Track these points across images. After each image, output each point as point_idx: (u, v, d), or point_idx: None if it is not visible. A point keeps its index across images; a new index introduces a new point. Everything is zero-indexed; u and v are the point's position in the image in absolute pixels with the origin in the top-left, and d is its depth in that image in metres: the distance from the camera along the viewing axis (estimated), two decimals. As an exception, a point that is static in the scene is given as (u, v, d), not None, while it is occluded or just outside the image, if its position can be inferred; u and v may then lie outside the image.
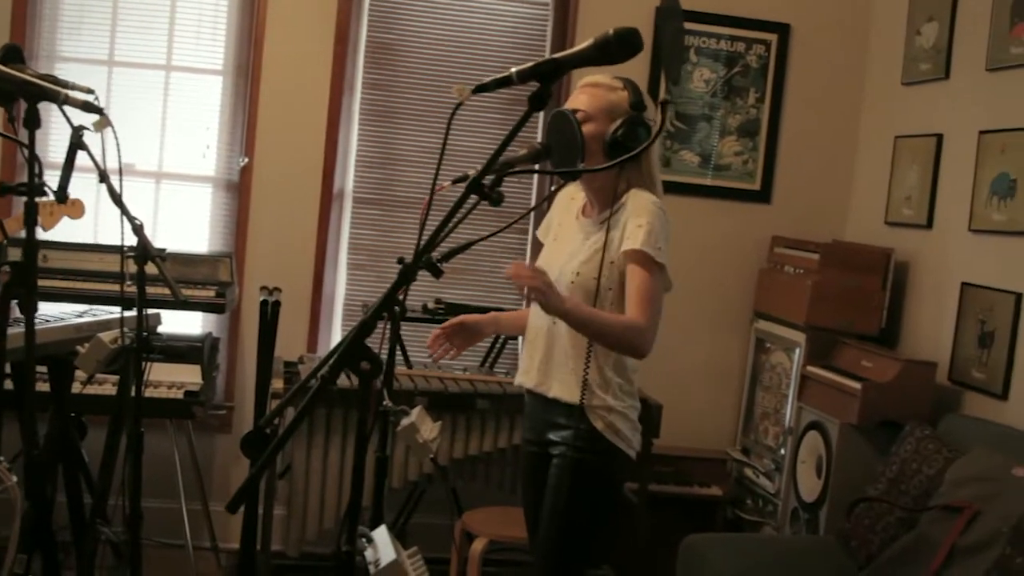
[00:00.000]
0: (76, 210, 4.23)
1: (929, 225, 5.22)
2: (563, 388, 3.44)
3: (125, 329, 3.50)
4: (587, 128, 3.36)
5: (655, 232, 3.30)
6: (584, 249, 3.44)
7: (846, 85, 6.03)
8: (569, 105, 3.44)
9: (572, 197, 3.67)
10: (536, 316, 3.55)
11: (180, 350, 4.99)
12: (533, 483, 3.64)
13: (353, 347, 2.28)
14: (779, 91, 5.96)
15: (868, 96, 6.00)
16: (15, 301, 3.56)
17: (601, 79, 3.42)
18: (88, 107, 3.10)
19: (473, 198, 2.38)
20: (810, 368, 5.16)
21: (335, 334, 5.82)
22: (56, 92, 3.06)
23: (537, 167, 3.65)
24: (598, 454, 3.41)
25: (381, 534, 2.44)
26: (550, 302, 3.16)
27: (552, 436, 3.50)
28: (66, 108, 3.16)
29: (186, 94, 5.64)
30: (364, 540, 2.42)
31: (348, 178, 5.77)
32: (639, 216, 3.32)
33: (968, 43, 5.04)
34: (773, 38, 5.91)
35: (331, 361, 2.26)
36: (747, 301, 5.96)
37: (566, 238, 3.57)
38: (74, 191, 3.44)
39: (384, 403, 2.81)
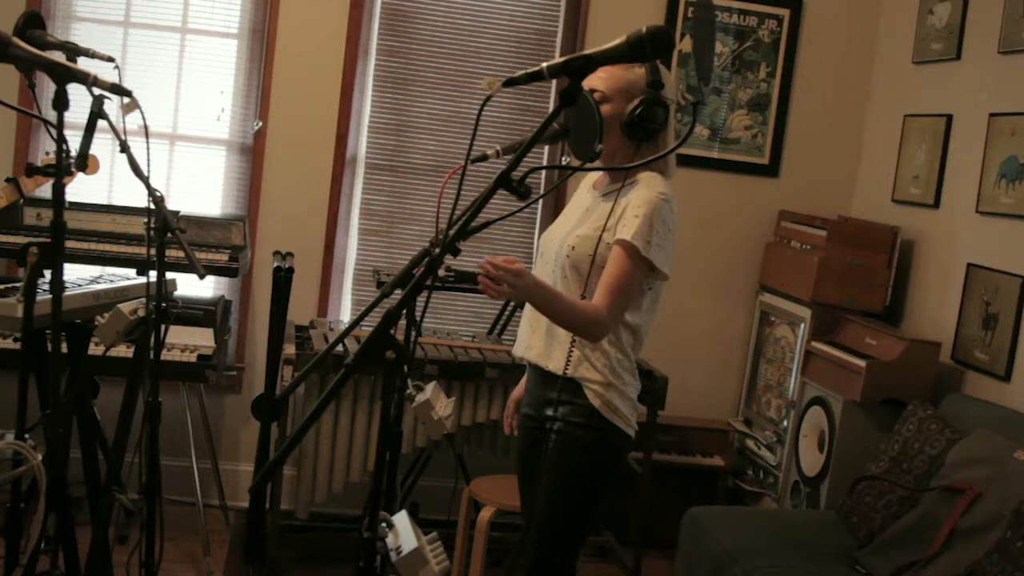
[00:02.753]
0: (91, 167, 4.26)
1: (936, 205, 5.27)
2: (559, 362, 3.39)
3: (144, 299, 3.57)
4: (604, 108, 3.31)
5: (651, 226, 3.23)
6: (584, 223, 3.40)
7: (857, 62, 6.06)
8: (586, 84, 3.34)
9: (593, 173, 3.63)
10: None
11: (195, 315, 5.05)
12: (529, 456, 3.61)
13: (379, 336, 2.32)
14: (790, 66, 5.99)
15: (878, 74, 6.02)
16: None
17: None
18: (117, 90, 3.13)
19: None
20: (814, 344, 5.22)
21: (346, 299, 5.88)
22: (86, 75, 3.09)
23: (565, 160, 3.61)
24: (594, 431, 3.36)
25: (402, 520, 2.49)
26: (518, 294, 3.18)
27: (548, 411, 3.45)
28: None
29: (201, 57, 5.66)
30: (385, 526, 2.47)
31: (361, 144, 5.80)
32: (640, 206, 3.24)
33: (981, 25, 5.07)
34: (785, 13, 5.93)
35: (357, 349, 2.31)
36: (753, 274, 6.02)
37: (573, 208, 3.55)
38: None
39: (408, 392, 2.84)
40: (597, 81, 3.36)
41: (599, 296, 3.25)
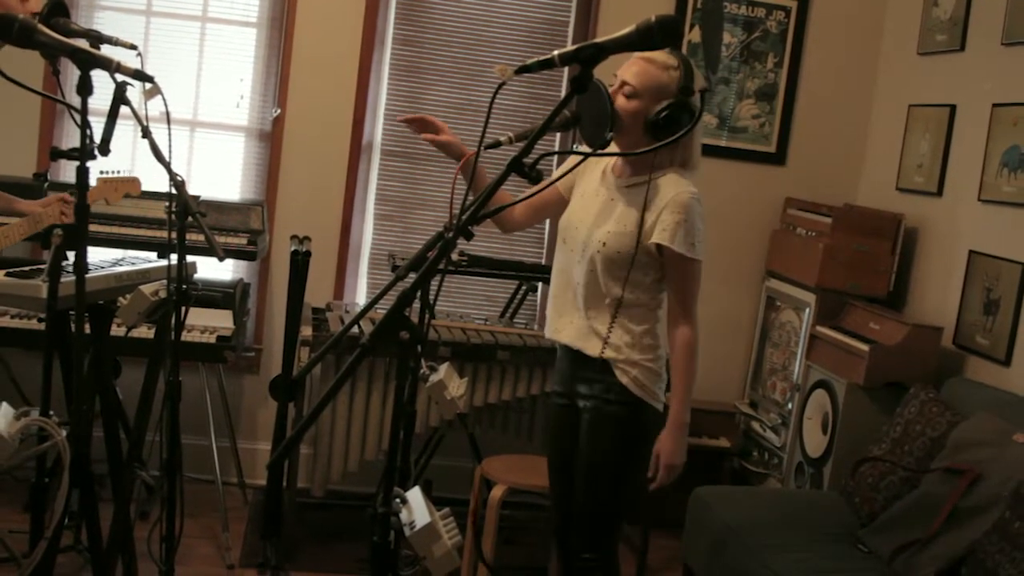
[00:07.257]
0: (134, 187, 4.30)
1: (939, 193, 5.34)
2: (588, 341, 3.55)
3: (166, 280, 3.65)
4: (632, 104, 3.39)
5: (690, 228, 3.44)
6: (611, 217, 3.50)
7: (862, 53, 6.13)
8: (620, 74, 3.45)
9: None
10: (559, 270, 3.66)
11: (214, 298, 5.15)
12: (560, 434, 3.77)
13: (394, 318, 2.38)
14: (797, 56, 6.06)
15: (884, 64, 6.10)
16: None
17: (657, 55, 3.39)
18: (140, 76, 3.20)
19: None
20: (819, 328, 5.30)
21: (361, 282, 5.98)
22: (109, 61, 3.13)
23: (576, 146, 3.64)
24: (625, 406, 3.53)
25: (415, 496, 2.55)
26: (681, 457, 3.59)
27: (581, 389, 3.61)
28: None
29: (221, 45, 5.76)
30: (398, 501, 2.55)
31: (377, 131, 5.90)
32: (676, 211, 3.42)
33: (985, 16, 5.13)
34: (793, 4, 6.00)
35: (372, 330, 2.36)
36: (759, 260, 6.11)
37: (591, 196, 3.61)
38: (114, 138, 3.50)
39: (421, 371, 2.92)
40: (631, 75, 3.43)
41: (682, 312, 3.62)
